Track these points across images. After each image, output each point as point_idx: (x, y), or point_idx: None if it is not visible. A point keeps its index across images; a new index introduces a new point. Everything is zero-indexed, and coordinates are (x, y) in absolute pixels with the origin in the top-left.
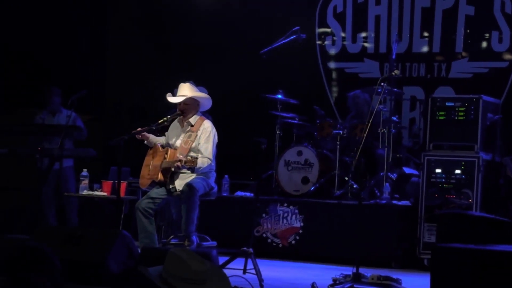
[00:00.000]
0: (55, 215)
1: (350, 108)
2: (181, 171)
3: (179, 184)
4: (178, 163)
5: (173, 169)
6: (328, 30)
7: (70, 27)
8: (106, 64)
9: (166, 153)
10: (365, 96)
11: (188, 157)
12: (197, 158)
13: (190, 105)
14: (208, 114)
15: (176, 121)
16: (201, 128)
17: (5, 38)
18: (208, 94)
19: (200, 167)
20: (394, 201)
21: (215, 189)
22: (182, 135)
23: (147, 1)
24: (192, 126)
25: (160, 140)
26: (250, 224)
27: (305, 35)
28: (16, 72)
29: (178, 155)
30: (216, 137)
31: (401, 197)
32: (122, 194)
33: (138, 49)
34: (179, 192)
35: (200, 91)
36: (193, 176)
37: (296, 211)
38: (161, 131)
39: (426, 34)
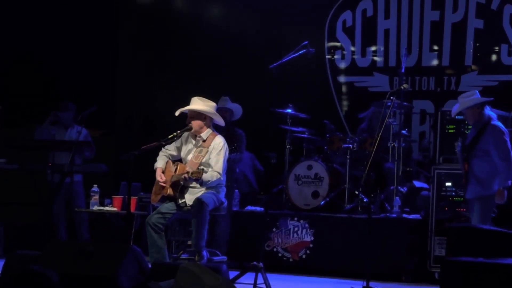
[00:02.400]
0: (65, 230)
1: (366, 121)
2: (191, 185)
3: (189, 198)
4: (185, 175)
5: (182, 183)
6: (338, 44)
7: (80, 43)
8: (116, 78)
9: (176, 167)
10: (380, 110)
11: (195, 169)
12: (203, 169)
13: (195, 117)
14: (239, 128)
15: (189, 136)
16: (212, 144)
17: (17, 55)
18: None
19: (209, 181)
20: (404, 215)
21: (225, 203)
22: (194, 150)
23: (158, 15)
24: (204, 141)
25: (167, 157)
26: (261, 238)
27: (314, 49)
28: (27, 87)
29: (187, 169)
30: (228, 152)
31: (411, 211)
32: (132, 209)
33: (149, 63)
34: (189, 207)
35: (234, 108)
36: (203, 190)
37: (307, 225)
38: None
39: (435, 47)
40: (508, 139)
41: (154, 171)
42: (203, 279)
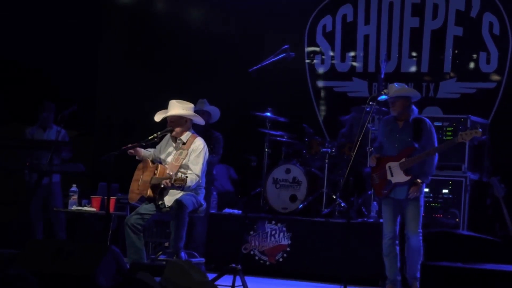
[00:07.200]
0: (42, 230)
1: (347, 126)
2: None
3: (168, 200)
4: (167, 181)
5: (162, 186)
6: (317, 49)
7: (61, 43)
8: (96, 79)
9: (156, 169)
10: (360, 115)
11: (178, 175)
12: (187, 177)
13: (176, 122)
14: (216, 131)
15: (169, 138)
16: (192, 146)
17: None
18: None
19: (189, 186)
20: (381, 220)
21: (204, 205)
22: (174, 152)
23: (139, 18)
24: (184, 144)
25: (150, 153)
26: (238, 241)
27: (294, 53)
28: (6, 86)
29: (168, 172)
30: (207, 154)
31: None
32: (111, 210)
33: (129, 64)
34: (168, 209)
35: (212, 110)
36: (182, 192)
37: (284, 228)
38: (152, 146)
39: (414, 54)
40: None
41: (132, 172)
42: (192, 274)
